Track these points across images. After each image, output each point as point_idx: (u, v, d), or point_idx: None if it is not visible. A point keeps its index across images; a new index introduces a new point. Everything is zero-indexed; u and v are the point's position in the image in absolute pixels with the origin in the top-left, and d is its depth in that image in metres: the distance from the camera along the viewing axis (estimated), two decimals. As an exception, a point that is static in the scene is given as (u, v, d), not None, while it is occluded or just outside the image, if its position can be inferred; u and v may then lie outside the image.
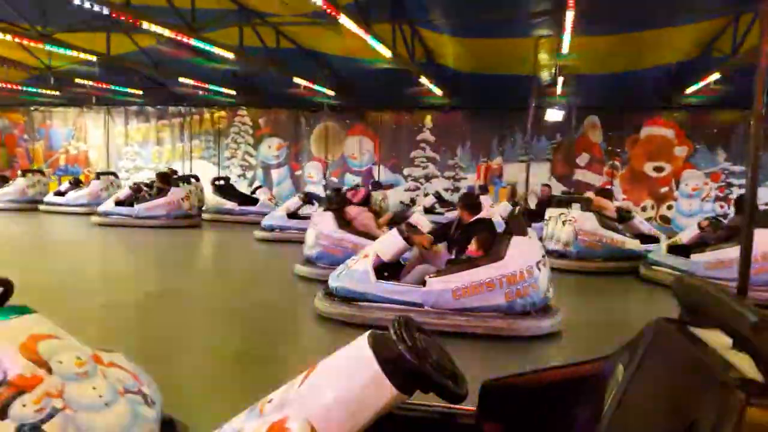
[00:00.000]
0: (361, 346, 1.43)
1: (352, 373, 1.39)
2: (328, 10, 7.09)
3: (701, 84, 11.30)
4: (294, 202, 11.66)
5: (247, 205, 13.85)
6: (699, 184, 14.53)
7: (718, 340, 1.53)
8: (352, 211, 8.02)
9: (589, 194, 10.49)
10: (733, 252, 6.71)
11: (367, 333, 1.47)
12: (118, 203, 12.83)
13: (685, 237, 8.42)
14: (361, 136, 17.05)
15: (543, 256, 5.32)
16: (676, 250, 8.16)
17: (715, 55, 10.52)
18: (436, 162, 16.48)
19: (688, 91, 11.97)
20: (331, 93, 14.09)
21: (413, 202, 16.22)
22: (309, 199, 11.74)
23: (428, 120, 16.44)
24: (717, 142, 14.44)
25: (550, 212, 9.52)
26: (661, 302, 6.90)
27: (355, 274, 5.55)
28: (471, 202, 5.81)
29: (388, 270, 5.75)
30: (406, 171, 16.67)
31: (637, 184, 14.38)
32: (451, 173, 16.36)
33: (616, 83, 12.65)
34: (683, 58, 11.17)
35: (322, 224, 7.74)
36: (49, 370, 2.03)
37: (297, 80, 12.55)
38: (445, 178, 16.36)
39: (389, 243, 5.77)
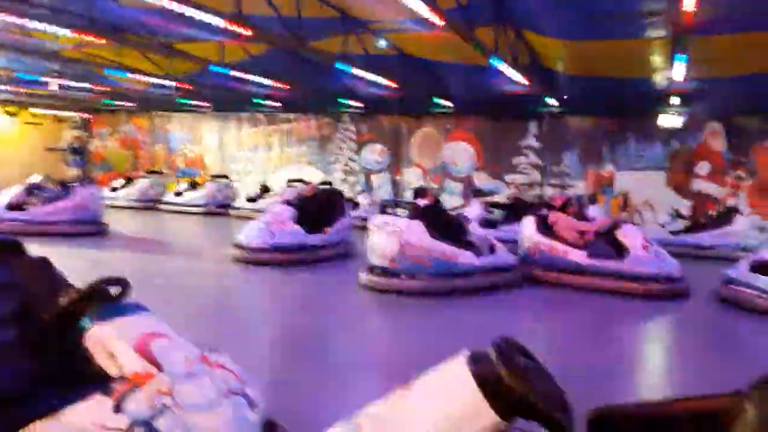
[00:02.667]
0: (458, 365, 1.33)
1: (449, 395, 1.28)
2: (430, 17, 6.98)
3: None
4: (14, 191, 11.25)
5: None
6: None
7: None
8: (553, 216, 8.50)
9: None
10: None
11: (465, 352, 1.38)
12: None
13: None
14: (460, 141, 16.82)
15: None
16: None
17: None
18: (539, 168, 15.92)
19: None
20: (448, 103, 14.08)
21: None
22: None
23: (532, 126, 15.92)
24: None
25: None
26: None
27: None
28: None
29: None
30: (508, 178, 16.21)
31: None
32: (558, 181, 15.72)
33: (745, 87, 11.53)
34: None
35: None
36: (160, 369, 2.11)
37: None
38: (551, 186, 15.74)
39: None
